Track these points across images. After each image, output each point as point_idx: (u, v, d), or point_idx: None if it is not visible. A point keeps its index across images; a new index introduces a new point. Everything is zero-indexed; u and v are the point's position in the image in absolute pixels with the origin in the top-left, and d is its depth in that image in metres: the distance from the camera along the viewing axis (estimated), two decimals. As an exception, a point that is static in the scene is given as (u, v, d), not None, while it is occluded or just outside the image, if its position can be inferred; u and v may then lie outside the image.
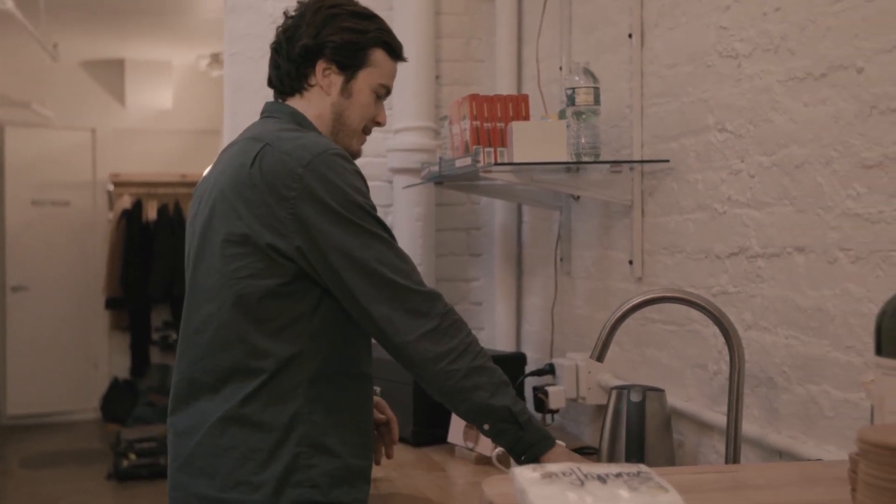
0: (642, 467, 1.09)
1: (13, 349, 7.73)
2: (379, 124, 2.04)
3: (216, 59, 7.40)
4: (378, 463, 2.01)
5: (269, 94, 2.04)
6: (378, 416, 2.03)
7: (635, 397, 2.15)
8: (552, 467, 1.07)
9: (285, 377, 1.78)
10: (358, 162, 1.92)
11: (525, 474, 1.06)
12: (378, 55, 1.97)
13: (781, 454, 1.88)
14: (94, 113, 8.04)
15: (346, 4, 1.98)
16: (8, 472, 6.43)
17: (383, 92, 2.00)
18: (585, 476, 1.05)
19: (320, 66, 1.94)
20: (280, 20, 1.97)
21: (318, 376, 1.80)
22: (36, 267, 7.76)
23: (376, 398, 2.02)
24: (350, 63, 1.95)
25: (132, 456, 6.14)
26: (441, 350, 1.76)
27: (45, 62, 7.32)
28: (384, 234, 1.80)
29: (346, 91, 1.96)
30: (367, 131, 2.02)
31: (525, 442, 1.79)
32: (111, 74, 8.07)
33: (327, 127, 1.97)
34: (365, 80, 1.96)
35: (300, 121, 1.95)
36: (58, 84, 7.89)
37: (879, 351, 1.06)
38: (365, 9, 2.01)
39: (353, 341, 1.86)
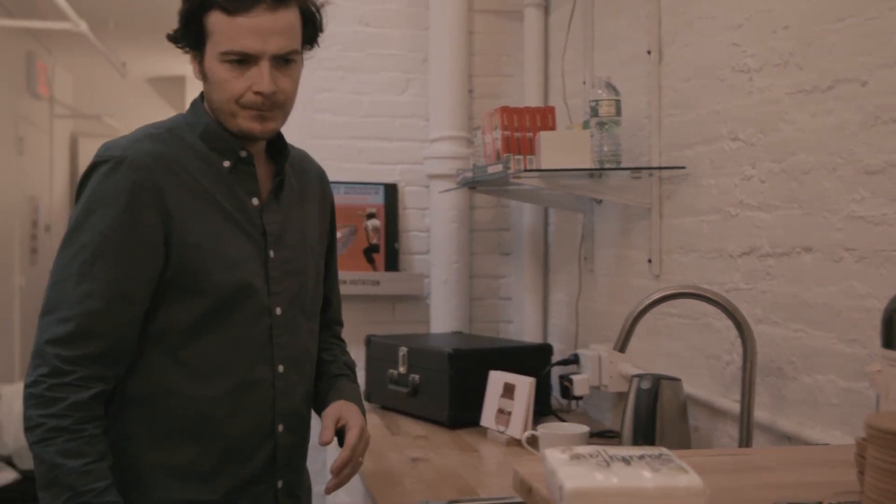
0: (663, 450, 1.08)
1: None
2: (259, 94, 1.52)
3: (268, 75, 7.45)
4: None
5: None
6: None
7: (654, 385, 2.15)
8: (580, 449, 1.07)
9: None
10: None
11: (555, 456, 1.06)
12: (214, 19, 1.51)
13: (790, 439, 1.86)
14: (158, 125, 8.12)
15: None
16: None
17: (234, 58, 1.51)
18: (611, 458, 1.04)
19: (189, 55, 1.59)
20: (325, 38, 1.79)
21: None
22: (106, 264, 7.83)
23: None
24: (194, 41, 1.55)
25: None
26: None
27: (115, 79, 7.41)
28: (93, 260, 1.48)
29: (203, 73, 1.57)
30: (249, 105, 1.53)
31: None
32: (173, 89, 8.15)
33: (215, 114, 1.59)
34: (211, 55, 1.53)
35: (195, 107, 1.63)
36: (126, 98, 7.98)
37: (886, 344, 1.05)
38: None
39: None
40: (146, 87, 8.14)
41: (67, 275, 1.47)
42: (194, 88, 8.01)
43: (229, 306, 1.56)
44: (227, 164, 1.59)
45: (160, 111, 8.15)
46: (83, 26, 5.09)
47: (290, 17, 1.53)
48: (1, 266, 5.44)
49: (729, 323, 1.99)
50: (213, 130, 1.59)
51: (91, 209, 1.49)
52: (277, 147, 1.68)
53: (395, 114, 3.40)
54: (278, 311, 1.62)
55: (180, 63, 7.51)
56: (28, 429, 1.45)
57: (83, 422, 1.45)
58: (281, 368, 1.63)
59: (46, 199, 6.95)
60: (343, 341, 1.94)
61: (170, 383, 1.55)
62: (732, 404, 2.05)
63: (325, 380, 1.80)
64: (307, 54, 1.63)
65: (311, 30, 1.60)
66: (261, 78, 1.51)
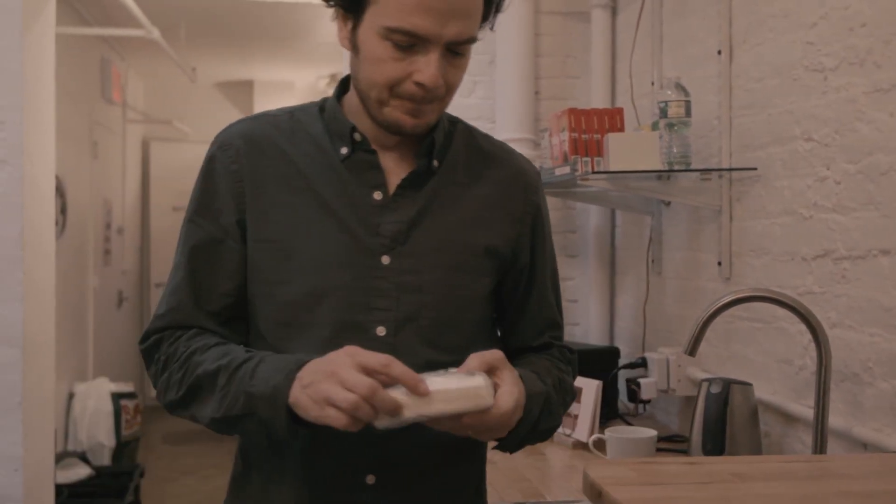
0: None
1: (156, 339, 7.97)
2: (420, 85, 1.22)
3: (333, 78, 7.52)
4: None
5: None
6: None
7: (724, 389, 2.11)
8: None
9: None
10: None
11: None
12: None
13: (867, 446, 1.82)
14: (226, 128, 8.25)
15: None
16: (151, 446, 6.64)
17: (401, 39, 1.21)
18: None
19: (337, 14, 1.30)
20: None
21: None
22: (176, 266, 7.98)
23: None
24: (351, 4, 1.25)
25: (259, 435, 6.26)
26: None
27: (185, 84, 7.55)
28: (186, 241, 1.36)
29: (354, 44, 1.27)
30: (406, 96, 1.24)
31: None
32: (241, 94, 8.28)
33: (359, 94, 1.32)
34: (370, 25, 1.23)
35: (341, 90, 1.38)
36: (195, 103, 8.12)
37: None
38: None
39: None
40: (215, 92, 8.29)
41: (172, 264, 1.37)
42: (262, 93, 8.15)
43: (303, 319, 1.29)
44: (344, 150, 1.32)
45: (228, 115, 8.29)
46: (156, 33, 5.20)
47: None
48: (76, 267, 5.59)
49: (802, 327, 1.95)
50: (331, 111, 1.36)
51: (191, 195, 1.37)
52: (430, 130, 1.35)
53: (461, 116, 3.33)
54: (380, 331, 1.28)
55: (247, 68, 7.65)
56: (160, 394, 1.32)
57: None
58: None
59: (119, 201, 7.11)
60: (565, 361, 1.46)
61: None
62: (805, 410, 2.01)
63: None
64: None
65: (489, 10, 1.29)
66: (427, 67, 1.21)
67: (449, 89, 1.27)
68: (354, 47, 1.27)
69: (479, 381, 1.16)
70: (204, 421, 1.27)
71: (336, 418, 1.11)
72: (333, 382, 1.12)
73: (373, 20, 1.22)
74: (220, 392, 1.23)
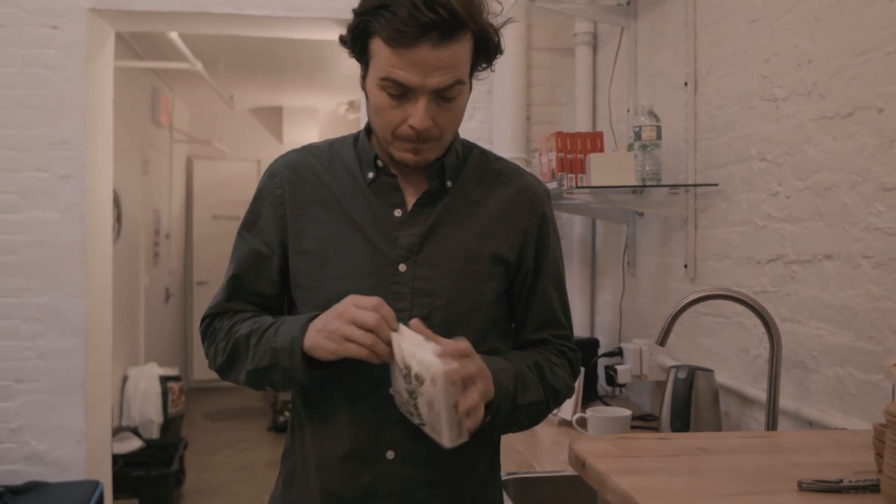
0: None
1: (198, 329, 7.97)
2: (412, 128, 1.24)
3: (352, 105, 7.54)
4: None
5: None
6: None
7: (689, 375, 2.12)
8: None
9: None
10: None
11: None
12: (376, 44, 1.22)
13: (812, 424, 1.82)
14: (259, 148, 8.27)
15: None
16: (194, 422, 6.64)
17: (392, 88, 1.22)
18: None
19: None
20: None
21: None
22: (215, 266, 8.00)
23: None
24: (359, 56, 1.28)
25: (286, 413, 6.27)
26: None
27: (223, 109, 7.56)
28: (235, 250, 1.42)
29: (365, 92, 1.30)
30: (404, 137, 1.27)
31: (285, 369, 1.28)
32: (272, 118, 8.29)
33: (374, 133, 1.35)
34: (372, 77, 1.26)
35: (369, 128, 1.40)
36: (232, 126, 8.13)
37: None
38: None
39: None
40: (249, 116, 8.29)
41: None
42: (290, 117, 8.16)
43: None
44: (370, 175, 1.35)
45: (260, 136, 8.31)
46: (199, 66, 5.21)
47: (457, 51, 1.21)
48: (130, 268, 5.59)
49: (757, 321, 1.96)
50: (361, 142, 1.39)
51: (244, 213, 1.43)
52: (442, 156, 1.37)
53: (464, 138, 3.40)
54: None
55: (278, 95, 7.66)
56: (211, 361, 1.39)
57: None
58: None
59: (167, 211, 7.12)
60: (559, 355, 1.43)
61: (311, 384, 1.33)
62: (760, 393, 2.02)
63: None
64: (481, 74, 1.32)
65: (484, 55, 1.28)
66: (416, 112, 1.23)
67: (443, 130, 1.28)
68: (366, 95, 1.30)
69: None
70: (242, 378, 1.33)
71: (357, 350, 1.17)
72: (345, 321, 1.18)
73: (373, 72, 1.25)
74: (252, 350, 1.30)
